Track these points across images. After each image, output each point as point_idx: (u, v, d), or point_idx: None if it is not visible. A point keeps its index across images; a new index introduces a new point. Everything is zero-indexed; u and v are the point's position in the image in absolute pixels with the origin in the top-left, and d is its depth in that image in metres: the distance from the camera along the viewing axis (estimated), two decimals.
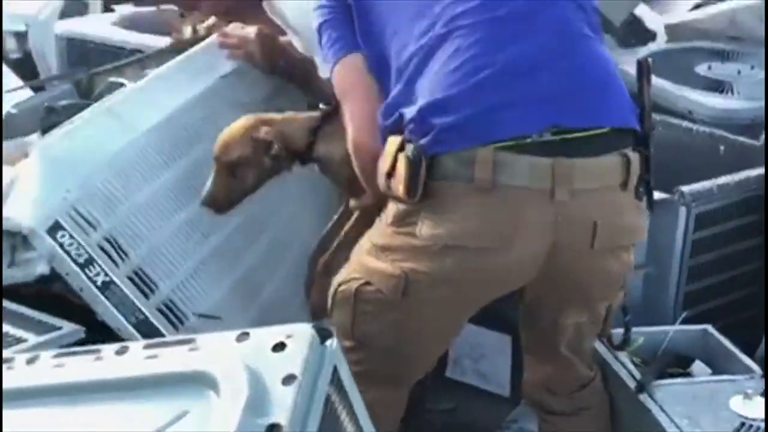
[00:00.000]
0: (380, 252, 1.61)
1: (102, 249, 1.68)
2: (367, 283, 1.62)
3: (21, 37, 3.77)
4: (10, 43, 3.76)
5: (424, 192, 1.54)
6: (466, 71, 1.54)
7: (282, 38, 2.41)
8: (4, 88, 2.87)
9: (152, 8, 3.91)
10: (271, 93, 2.32)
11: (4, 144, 2.24)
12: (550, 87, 1.55)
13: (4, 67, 3.26)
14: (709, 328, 2.06)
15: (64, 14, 3.94)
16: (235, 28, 2.33)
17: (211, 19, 2.50)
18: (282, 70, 2.34)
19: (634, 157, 1.59)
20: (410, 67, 1.61)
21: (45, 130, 2.34)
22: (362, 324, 1.64)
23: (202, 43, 2.30)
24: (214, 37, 2.32)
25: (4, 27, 3.75)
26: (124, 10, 3.61)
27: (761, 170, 2.37)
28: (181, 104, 2.03)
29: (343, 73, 1.76)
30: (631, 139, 1.61)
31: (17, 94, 2.75)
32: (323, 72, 2.19)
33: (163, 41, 3.02)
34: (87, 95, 2.60)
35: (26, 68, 3.63)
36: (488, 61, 1.54)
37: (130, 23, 3.47)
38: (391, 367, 1.68)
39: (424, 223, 1.55)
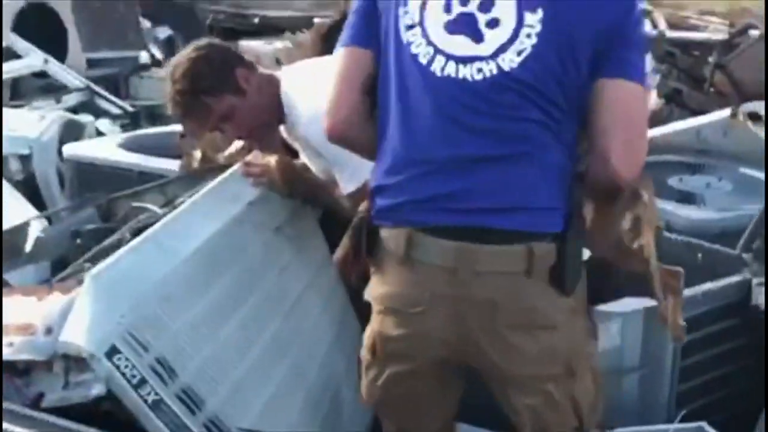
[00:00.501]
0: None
1: (153, 370, 1.79)
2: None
3: (25, 159, 3.93)
4: (14, 165, 3.92)
5: (372, 257, 1.85)
6: (404, 163, 1.80)
7: (297, 161, 2.59)
8: (15, 214, 2.99)
9: (155, 130, 4.10)
10: (291, 215, 2.49)
11: None
12: (468, 189, 1.75)
13: (14, 192, 3.40)
14: (705, 425, 2.21)
15: (63, 137, 4.13)
16: (256, 157, 2.46)
17: (233, 148, 2.64)
18: (301, 194, 2.49)
19: (542, 248, 1.73)
20: (387, 115, 1.84)
21: (73, 253, 2.49)
22: (364, 388, 1.95)
23: (228, 172, 2.44)
24: (238, 166, 2.46)
25: (6, 150, 3.90)
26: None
27: (739, 277, 2.58)
28: (216, 231, 2.16)
29: (338, 59, 1.91)
30: (542, 235, 1.74)
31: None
32: (346, 188, 2.38)
33: (170, 164, 3.20)
34: (107, 218, 2.74)
35: (29, 189, 3.79)
36: (425, 158, 1.78)
37: (135, 145, 3.66)
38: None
39: (372, 285, 1.87)
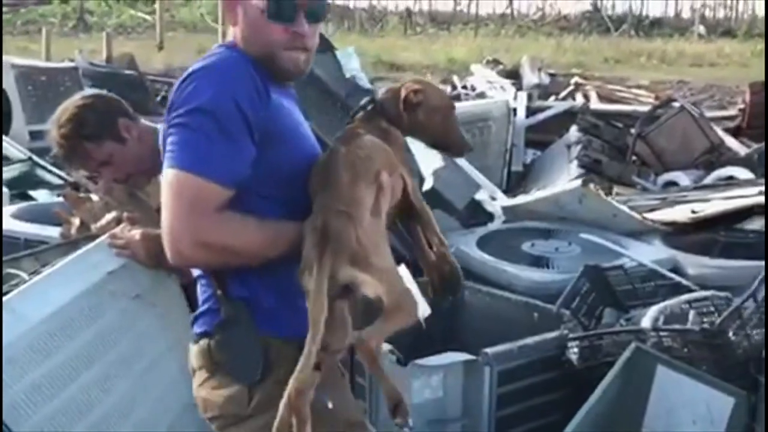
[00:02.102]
0: None
1: None
2: None
3: None
4: None
5: None
6: None
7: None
8: None
9: (49, 201, 4.34)
10: (153, 283, 2.63)
11: None
12: None
13: None
14: None
15: None
16: (123, 230, 2.63)
17: (104, 220, 2.83)
18: (164, 264, 2.73)
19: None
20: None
21: None
22: None
23: (94, 243, 2.61)
24: (104, 237, 2.61)
25: None
26: None
27: (557, 333, 2.90)
28: (71, 298, 2.36)
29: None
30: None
31: None
32: None
33: (55, 231, 3.44)
34: None
35: None
36: None
37: (27, 215, 3.94)
38: None
39: None
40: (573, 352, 2.91)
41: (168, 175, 1.76)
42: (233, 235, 1.76)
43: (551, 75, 10.95)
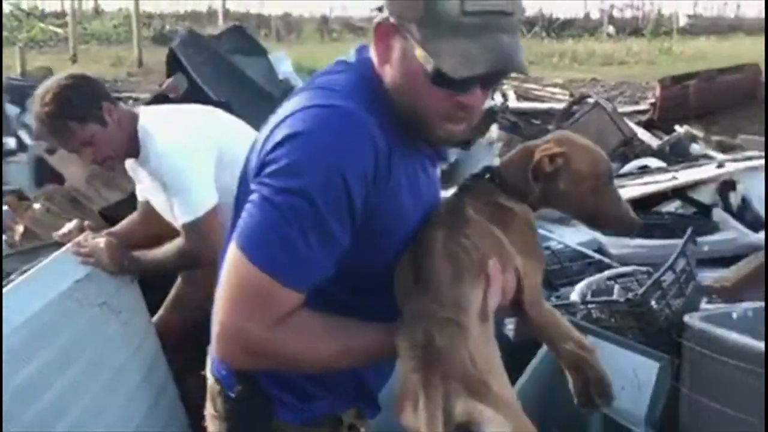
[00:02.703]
0: None
1: None
2: None
3: None
4: None
5: None
6: None
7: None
8: None
9: None
10: (117, 290, 2.74)
11: None
12: None
13: None
14: None
15: None
16: (86, 238, 2.73)
17: (65, 228, 2.92)
18: (128, 270, 2.76)
19: None
20: None
21: None
22: None
23: (59, 251, 2.69)
24: (69, 246, 2.69)
25: None
26: None
27: None
28: (42, 306, 2.42)
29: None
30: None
31: None
32: (181, 218, 2.58)
33: None
34: None
35: None
36: None
37: None
38: None
39: None
40: (509, 329, 3.10)
41: (235, 257, 1.42)
42: (298, 347, 1.46)
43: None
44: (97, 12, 24.73)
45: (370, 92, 1.47)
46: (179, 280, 3.06)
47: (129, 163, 2.87)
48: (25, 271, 2.63)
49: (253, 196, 1.42)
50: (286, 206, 1.37)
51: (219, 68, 4.16)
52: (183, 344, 2.80)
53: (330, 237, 1.40)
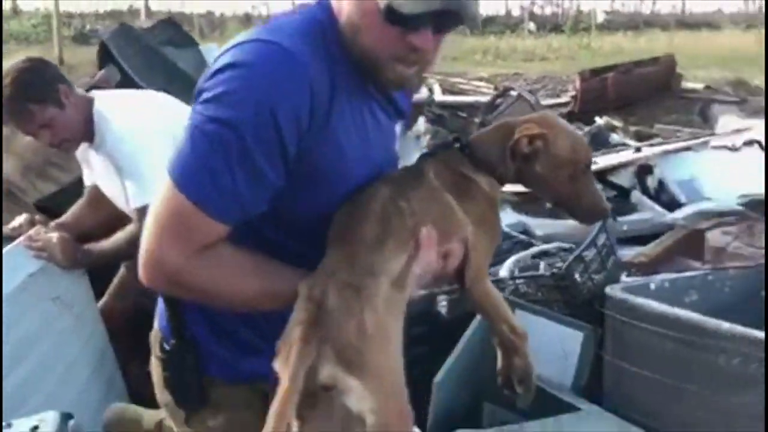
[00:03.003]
0: None
1: None
2: None
3: None
4: None
5: None
6: None
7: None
8: None
9: None
10: (69, 284, 2.75)
11: None
12: None
13: None
14: None
15: None
16: (38, 232, 2.73)
17: (16, 222, 2.90)
18: (80, 263, 2.79)
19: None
20: None
21: None
22: None
23: (11, 245, 2.68)
24: (21, 239, 2.69)
25: None
26: None
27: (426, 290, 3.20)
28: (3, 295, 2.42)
29: None
30: None
31: None
32: (134, 202, 2.58)
33: None
34: None
35: None
36: None
37: None
38: None
39: None
40: (442, 306, 3.22)
41: (166, 186, 1.42)
42: (217, 281, 1.45)
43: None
44: (15, 12, 24.17)
45: (320, 34, 1.46)
46: (122, 267, 3.09)
47: (80, 149, 2.89)
48: None
49: (188, 123, 1.42)
50: (216, 136, 1.37)
51: (151, 60, 4.19)
52: (126, 331, 2.84)
53: (259, 174, 1.39)
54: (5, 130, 3.54)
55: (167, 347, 1.67)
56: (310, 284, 1.36)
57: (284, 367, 1.31)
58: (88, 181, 3.03)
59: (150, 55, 4.42)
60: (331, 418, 1.35)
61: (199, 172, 1.38)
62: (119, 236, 2.74)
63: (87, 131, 2.77)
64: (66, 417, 1.48)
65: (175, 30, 4.99)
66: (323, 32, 1.46)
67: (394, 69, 1.46)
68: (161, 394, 1.74)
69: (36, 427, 1.47)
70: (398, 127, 1.66)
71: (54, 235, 2.73)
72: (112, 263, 2.95)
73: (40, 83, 2.70)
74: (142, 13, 20.50)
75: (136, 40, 4.56)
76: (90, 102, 2.80)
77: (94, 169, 2.92)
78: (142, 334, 1.80)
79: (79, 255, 2.77)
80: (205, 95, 1.40)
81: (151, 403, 1.87)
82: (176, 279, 1.43)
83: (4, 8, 24.31)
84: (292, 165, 1.41)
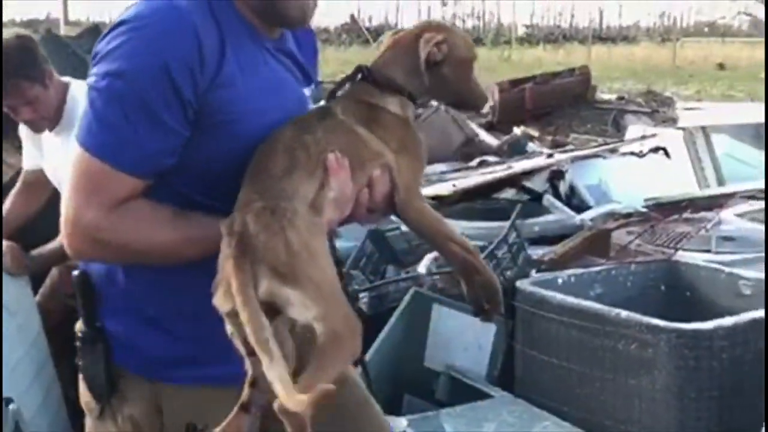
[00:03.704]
0: None
1: None
2: None
3: None
4: None
5: None
6: None
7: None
8: None
9: None
10: (16, 292, 2.75)
11: None
12: None
13: None
14: None
15: None
16: None
17: None
18: (28, 269, 2.85)
19: None
20: None
21: None
22: None
23: None
24: None
25: None
26: None
27: (349, 288, 3.35)
28: None
29: None
30: None
31: None
32: None
33: None
34: None
35: None
36: None
37: None
38: None
39: None
40: (363, 303, 3.37)
41: (75, 151, 1.45)
42: (137, 234, 1.46)
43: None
44: None
45: None
46: (53, 269, 3.15)
47: (28, 132, 2.97)
48: None
49: (88, 87, 1.44)
50: (110, 90, 1.40)
51: (78, 68, 4.25)
52: (57, 330, 2.85)
53: (158, 122, 1.41)
54: None
55: (80, 334, 1.64)
56: (229, 222, 1.38)
57: (225, 301, 1.35)
58: (28, 165, 3.08)
59: (77, 63, 4.49)
60: (289, 342, 1.41)
61: (99, 129, 1.42)
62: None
63: (56, 115, 2.85)
64: (7, 401, 1.51)
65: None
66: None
67: (296, 4, 1.53)
68: (82, 392, 1.68)
69: None
70: (308, 91, 1.69)
71: (5, 244, 2.77)
72: (58, 264, 2.99)
73: (32, 62, 2.76)
74: (61, 22, 20.23)
75: (64, 48, 4.61)
76: (66, 86, 2.88)
77: (44, 152, 2.96)
78: (71, 335, 1.72)
79: (28, 262, 2.84)
80: (98, 56, 1.44)
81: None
82: (97, 237, 1.44)
83: None
84: (193, 114, 1.43)
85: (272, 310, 1.34)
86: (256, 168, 1.44)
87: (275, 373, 1.26)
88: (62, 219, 1.45)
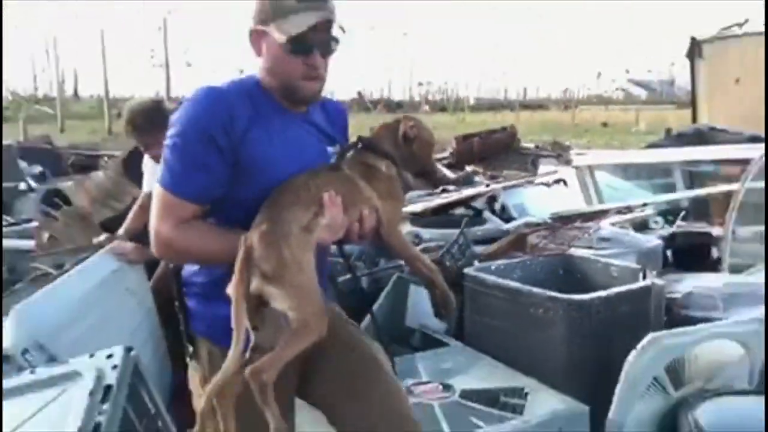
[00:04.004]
0: None
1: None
2: None
3: None
4: None
5: None
6: None
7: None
8: None
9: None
10: (137, 278, 2.70)
11: None
12: None
13: None
14: None
15: None
16: (120, 244, 2.72)
17: (102, 237, 2.89)
18: (147, 263, 2.77)
19: None
20: None
21: None
22: None
23: (101, 251, 2.67)
24: (108, 248, 2.69)
25: None
26: None
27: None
28: (92, 286, 2.41)
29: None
30: None
31: None
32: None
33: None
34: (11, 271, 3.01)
35: None
36: None
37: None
38: None
39: None
40: (364, 283, 3.37)
41: (155, 188, 1.51)
42: (192, 242, 1.47)
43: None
44: (77, 95, 23.72)
45: (248, 80, 1.55)
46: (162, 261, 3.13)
47: (153, 165, 2.90)
48: (78, 263, 2.64)
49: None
50: (173, 145, 1.46)
51: None
52: (164, 304, 2.80)
53: (201, 163, 1.44)
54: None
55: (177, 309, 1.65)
56: (244, 237, 1.38)
57: (230, 287, 1.36)
58: (147, 189, 3.00)
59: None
60: (272, 326, 1.39)
61: (168, 171, 1.47)
62: None
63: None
64: (128, 349, 1.51)
65: None
66: (249, 80, 1.56)
67: (306, 86, 1.53)
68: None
69: (110, 355, 1.41)
70: (331, 149, 1.64)
71: (131, 245, 2.74)
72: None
73: (166, 117, 2.76)
74: (165, 96, 20.31)
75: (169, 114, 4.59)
76: None
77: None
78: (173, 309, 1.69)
79: (147, 254, 2.83)
80: (171, 123, 1.50)
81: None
82: (170, 245, 1.48)
83: (67, 92, 23.82)
84: (229, 159, 1.46)
85: (264, 301, 1.35)
86: (270, 201, 1.44)
87: (233, 349, 1.30)
88: (150, 233, 1.50)
